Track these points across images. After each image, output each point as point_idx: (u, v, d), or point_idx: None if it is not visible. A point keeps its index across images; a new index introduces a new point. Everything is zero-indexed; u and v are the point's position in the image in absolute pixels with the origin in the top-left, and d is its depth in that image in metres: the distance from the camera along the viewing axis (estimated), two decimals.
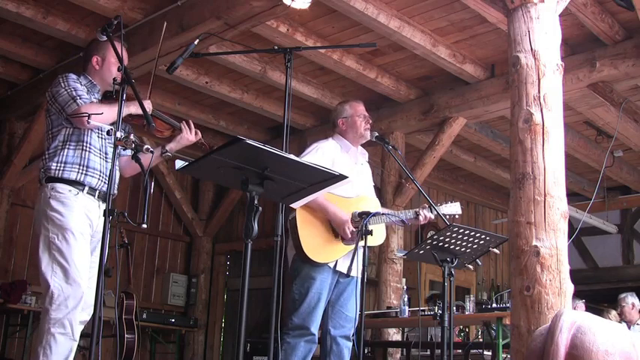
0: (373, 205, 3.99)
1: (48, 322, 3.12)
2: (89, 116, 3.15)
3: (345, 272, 3.83)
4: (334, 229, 3.84)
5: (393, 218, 3.92)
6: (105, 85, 3.46)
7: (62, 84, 3.33)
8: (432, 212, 3.92)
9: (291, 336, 3.72)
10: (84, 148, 3.33)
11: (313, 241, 3.77)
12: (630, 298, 7.11)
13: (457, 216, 4.06)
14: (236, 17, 4.65)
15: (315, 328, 3.77)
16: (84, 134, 3.33)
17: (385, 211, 4.04)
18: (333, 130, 4.17)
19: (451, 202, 4.07)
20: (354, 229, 3.79)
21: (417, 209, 3.95)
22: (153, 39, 5.11)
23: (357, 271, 3.88)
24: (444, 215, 3.96)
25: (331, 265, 3.82)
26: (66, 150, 3.30)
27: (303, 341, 3.74)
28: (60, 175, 3.26)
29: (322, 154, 3.92)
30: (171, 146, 3.53)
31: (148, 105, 3.36)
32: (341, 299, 3.90)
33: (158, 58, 3.67)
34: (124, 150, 3.45)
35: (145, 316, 7.18)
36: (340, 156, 4.00)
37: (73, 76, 3.40)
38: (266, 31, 5.07)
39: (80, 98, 3.27)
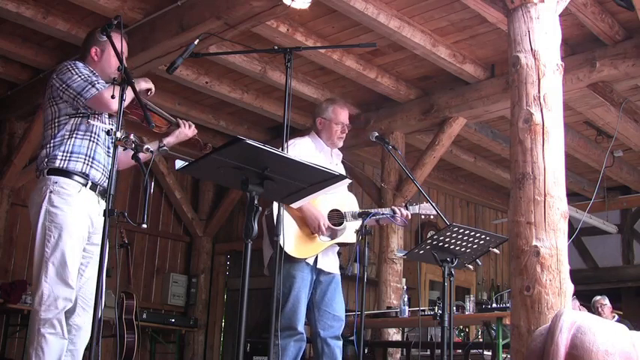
0: (350, 201, 3.99)
1: (38, 322, 3.08)
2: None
3: (327, 270, 3.87)
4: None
5: (369, 216, 3.90)
6: (104, 77, 3.38)
7: (73, 70, 3.25)
8: (408, 210, 3.93)
9: (281, 337, 3.71)
10: (91, 138, 3.26)
11: (291, 237, 3.75)
12: (607, 300, 7.22)
13: (432, 217, 4.07)
14: (236, 17, 4.65)
15: (301, 327, 3.77)
16: (92, 125, 3.24)
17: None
18: (312, 126, 4.17)
19: (439, 211, 4.06)
20: (332, 226, 3.80)
21: (394, 207, 3.96)
22: (153, 39, 5.11)
23: (336, 269, 3.93)
24: (420, 215, 3.97)
25: (310, 261, 3.81)
26: (73, 139, 3.23)
27: (292, 341, 3.74)
28: (65, 166, 3.19)
29: (299, 150, 3.89)
30: (169, 140, 3.48)
31: (149, 84, 3.35)
32: (325, 299, 3.89)
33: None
34: (124, 150, 3.44)
35: (145, 316, 7.17)
36: (314, 154, 3.97)
37: (80, 63, 3.34)
38: (266, 31, 5.07)
39: (98, 82, 3.21)
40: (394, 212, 3.89)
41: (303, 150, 3.93)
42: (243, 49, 5.36)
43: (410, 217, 3.96)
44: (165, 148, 3.48)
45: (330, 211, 3.85)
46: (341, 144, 4.11)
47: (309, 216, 3.77)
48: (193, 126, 3.57)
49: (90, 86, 3.19)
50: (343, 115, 4.11)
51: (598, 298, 7.32)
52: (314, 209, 3.78)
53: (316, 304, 3.87)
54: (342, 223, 3.85)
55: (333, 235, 3.85)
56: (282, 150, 2.92)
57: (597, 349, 2.28)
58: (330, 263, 3.91)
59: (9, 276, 6.93)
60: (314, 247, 3.82)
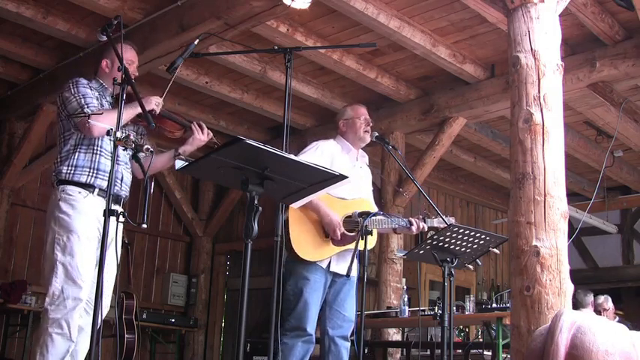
0: (370, 208, 3.97)
1: (46, 321, 3.16)
2: (89, 116, 3.16)
3: (342, 273, 3.85)
4: (325, 229, 3.85)
5: (385, 224, 3.89)
6: (116, 88, 3.42)
7: (72, 90, 3.35)
8: (425, 223, 3.93)
9: (289, 337, 3.72)
10: (94, 151, 3.35)
11: (303, 240, 3.77)
12: (610, 302, 7.11)
13: None
14: (236, 17, 4.65)
15: (311, 328, 3.77)
16: (95, 137, 3.34)
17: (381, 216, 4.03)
18: (336, 132, 4.19)
19: (448, 216, 4.04)
20: (346, 232, 3.80)
21: (411, 218, 3.96)
22: (153, 39, 5.11)
23: (354, 271, 3.91)
24: (435, 227, 3.95)
25: (322, 264, 3.82)
26: (77, 154, 3.33)
27: (300, 342, 3.74)
28: (70, 179, 3.29)
29: (321, 152, 3.93)
30: (185, 148, 3.55)
31: (159, 101, 3.40)
32: (338, 299, 3.90)
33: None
34: (123, 150, 3.45)
35: (145, 316, 7.17)
36: (340, 156, 4.01)
37: (83, 81, 3.41)
38: (266, 31, 5.07)
39: (88, 106, 3.29)
40: (411, 224, 3.91)
41: (327, 152, 3.96)
42: (243, 49, 5.35)
43: (426, 229, 3.96)
44: (181, 156, 3.50)
45: (346, 217, 3.86)
46: (368, 138, 4.13)
47: (327, 221, 3.79)
48: (207, 129, 3.59)
49: (80, 109, 3.29)
50: (362, 110, 4.18)
51: (601, 300, 7.18)
52: (332, 214, 3.80)
53: (328, 302, 3.89)
54: (356, 229, 3.84)
55: (347, 240, 3.85)
56: (284, 150, 2.92)
57: (597, 349, 2.27)
58: (346, 266, 3.89)
59: (9, 276, 6.93)
60: (325, 251, 3.83)
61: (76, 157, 3.32)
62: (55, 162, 3.38)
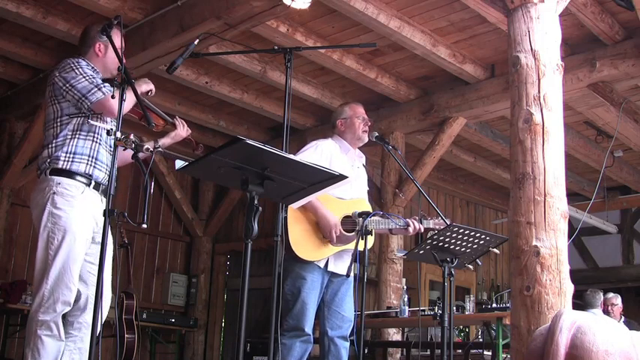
0: (366, 209, 3.97)
1: (35, 323, 3.07)
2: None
3: (339, 273, 3.87)
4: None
5: (383, 225, 3.90)
6: (106, 73, 3.35)
7: (77, 70, 3.20)
8: (422, 224, 3.94)
9: (287, 337, 3.73)
10: (94, 139, 3.24)
11: (302, 240, 3.78)
12: (619, 299, 7.09)
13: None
14: (236, 17, 4.65)
15: (309, 328, 3.78)
16: (94, 125, 3.19)
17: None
18: (333, 131, 4.19)
19: (445, 218, 4.04)
20: (344, 232, 3.81)
21: (409, 219, 3.96)
22: (153, 39, 5.12)
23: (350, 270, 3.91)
24: (432, 228, 3.96)
25: (320, 264, 3.83)
26: (75, 140, 3.19)
27: (298, 342, 3.75)
28: (68, 167, 3.15)
29: (321, 152, 3.94)
30: (165, 141, 3.51)
31: (149, 85, 3.36)
32: (336, 299, 3.91)
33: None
34: (123, 150, 3.44)
35: (145, 316, 7.17)
36: (338, 156, 4.02)
37: (83, 62, 3.28)
38: (266, 31, 5.07)
39: (105, 86, 3.16)
40: (408, 225, 3.91)
41: (326, 151, 3.97)
42: (243, 49, 5.36)
43: (423, 230, 3.97)
44: (160, 149, 3.49)
45: (344, 217, 3.86)
46: (367, 138, 4.14)
47: (323, 222, 3.80)
48: (186, 126, 3.60)
49: (96, 89, 3.15)
50: (360, 109, 4.19)
51: (610, 295, 7.10)
52: (329, 216, 3.81)
53: (327, 303, 3.90)
54: (355, 229, 3.85)
55: (345, 240, 3.85)
56: (284, 150, 2.92)
57: (597, 349, 2.27)
58: (344, 266, 3.91)
59: (9, 276, 6.93)
60: (324, 251, 3.84)
61: (74, 143, 3.18)
62: (49, 147, 3.18)
